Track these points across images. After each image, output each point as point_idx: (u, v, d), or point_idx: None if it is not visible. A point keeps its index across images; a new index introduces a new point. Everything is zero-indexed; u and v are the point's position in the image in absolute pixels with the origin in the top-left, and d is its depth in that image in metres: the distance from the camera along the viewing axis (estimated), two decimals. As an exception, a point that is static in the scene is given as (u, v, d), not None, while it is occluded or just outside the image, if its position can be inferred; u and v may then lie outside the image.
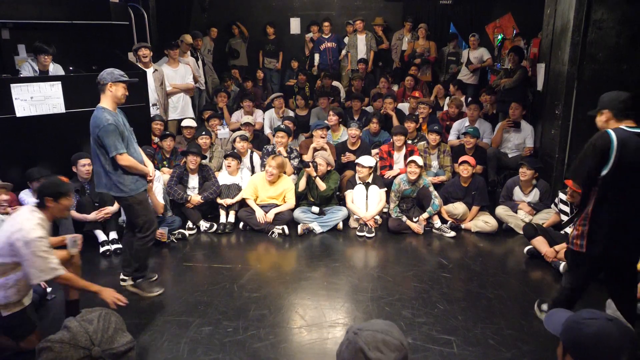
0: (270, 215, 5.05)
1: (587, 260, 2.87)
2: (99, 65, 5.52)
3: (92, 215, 4.59)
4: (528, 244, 4.47)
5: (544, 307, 3.41)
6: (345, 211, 5.23)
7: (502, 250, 4.81)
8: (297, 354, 3.12)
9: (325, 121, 6.18)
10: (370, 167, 5.16)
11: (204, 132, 5.79)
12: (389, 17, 8.78)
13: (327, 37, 8.44)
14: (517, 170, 5.19)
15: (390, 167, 5.73)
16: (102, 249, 4.55)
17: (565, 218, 4.56)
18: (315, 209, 5.16)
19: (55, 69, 5.19)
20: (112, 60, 5.24)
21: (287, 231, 5.01)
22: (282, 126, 5.81)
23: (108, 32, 5.73)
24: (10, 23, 5.11)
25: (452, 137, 6.26)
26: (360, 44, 8.26)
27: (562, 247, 4.02)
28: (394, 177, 5.42)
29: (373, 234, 4.98)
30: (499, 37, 8.06)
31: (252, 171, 5.78)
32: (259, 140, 6.55)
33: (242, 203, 5.31)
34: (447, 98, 7.25)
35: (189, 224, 5.11)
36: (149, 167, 3.74)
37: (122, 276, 3.94)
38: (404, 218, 5.10)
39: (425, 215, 5.08)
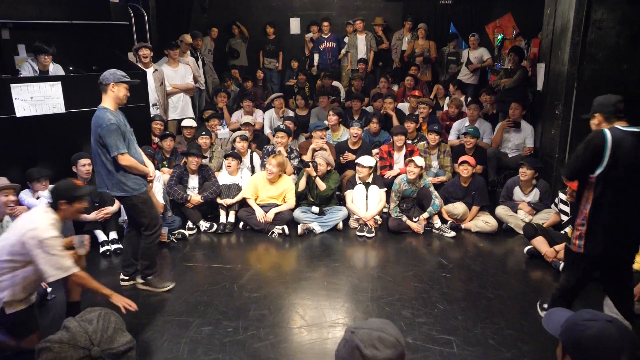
0: (270, 215, 5.05)
1: (584, 260, 2.88)
2: (99, 65, 5.53)
3: (92, 215, 4.59)
4: (528, 244, 4.47)
5: (546, 306, 3.41)
6: (345, 211, 5.23)
7: (502, 250, 4.81)
8: (297, 354, 3.12)
9: (325, 121, 6.19)
10: (370, 167, 5.16)
11: (204, 132, 5.79)
12: (389, 17, 8.78)
13: (326, 36, 8.44)
14: (517, 170, 5.19)
15: (390, 167, 5.73)
16: (102, 249, 4.55)
17: (565, 218, 4.56)
18: (315, 209, 5.16)
19: (55, 69, 5.19)
20: (112, 60, 5.24)
21: (287, 231, 5.01)
22: (282, 126, 5.81)
23: (108, 32, 5.72)
24: (10, 23, 5.10)
25: (452, 137, 6.26)
26: (360, 44, 8.26)
27: (562, 247, 4.02)
28: (394, 177, 5.42)
29: (373, 234, 4.98)
30: (499, 37, 8.06)
31: (252, 171, 5.78)
32: (259, 140, 6.55)
33: (242, 203, 5.31)
34: (447, 98, 7.25)
35: (189, 224, 5.11)
36: (150, 167, 3.75)
37: (122, 276, 3.94)
38: (404, 218, 5.10)
39: (425, 215, 5.08)
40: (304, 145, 5.92)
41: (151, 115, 5.87)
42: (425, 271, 4.22)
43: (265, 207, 5.16)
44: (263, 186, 5.26)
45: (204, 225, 5.13)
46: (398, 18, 8.72)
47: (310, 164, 5.18)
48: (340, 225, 5.17)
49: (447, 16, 8.71)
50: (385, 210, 5.31)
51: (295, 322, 3.44)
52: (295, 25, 9.15)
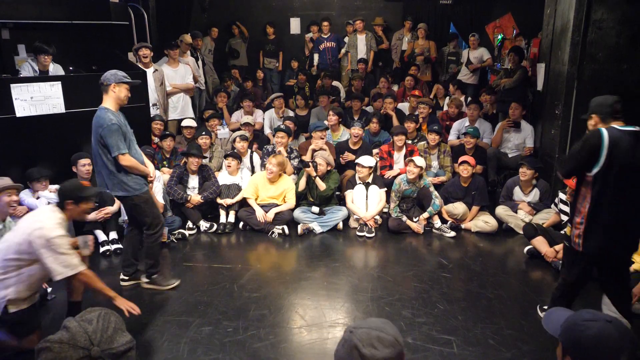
0: (271, 215, 5.05)
1: (583, 258, 2.90)
2: (99, 65, 5.53)
3: (92, 215, 4.59)
4: (528, 244, 4.47)
5: (546, 308, 3.42)
6: (345, 211, 5.23)
7: (502, 250, 4.81)
8: (297, 354, 3.12)
9: (325, 121, 6.19)
10: (370, 167, 5.16)
11: (204, 132, 5.79)
12: (389, 17, 8.78)
13: (326, 36, 8.45)
14: (517, 170, 5.19)
15: (390, 167, 5.73)
16: (102, 249, 4.55)
17: (565, 218, 4.56)
18: (315, 209, 5.16)
19: (55, 69, 5.18)
20: (112, 60, 5.24)
21: (287, 231, 5.01)
22: (282, 126, 5.81)
23: (108, 32, 5.72)
24: (10, 23, 5.10)
25: (452, 137, 6.26)
26: (360, 44, 8.26)
27: (562, 247, 4.02)
28: (394, 177, 5.42)
29: (373, 234, 4.98)
30: (499, 37, 8.06)
31: (252, 171, 5.78)
32: (259, 140, 6.55)
33: (242, 203, 5.31)
34: (447, 98, 7.25)
35: (189, 224, 5.11)
36: (150, 167, 3.77)
37: (122, 276, 3.95)
38: (404, 218, 5.10)
39: (425, 215, 5.08)
40: (304, 146, 5.92)
41: (151, 115, 5.87)
42: (425, 271, 4.22)
43: (266, 207, 5.16)
44: (263, 186, 5.26)
45: (204, 225, 5.13)
46: (398, 18, 8.72)
47: (310, 164, 5.18)
48: (340, 225, 5.17)
49: (447, 16, 8.71)
50: (385, 210, 5.31)
51: (295, 322, 3.44)
52: (295, 25, 9.15)
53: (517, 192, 5.21)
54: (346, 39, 8.47)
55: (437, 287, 3.91)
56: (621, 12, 4.63)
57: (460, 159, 5.21)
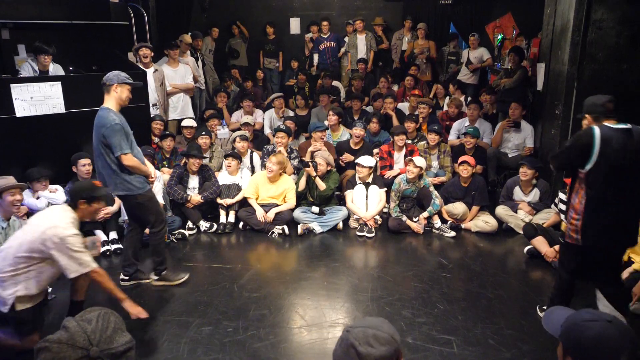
0: (271, 215, 5.05)
1: (579, 253, 2.96)
2: (99, 65, 5.53)
3: (92, 215, 4.59)
4: (528, 244, 4.47)
5: (545, 308, 3.42)
6: (345, 211, 5.23)
7: (502, 250, 4.81)
8: (297, 354, 3.12)
9: (325, 121, 6.19)
10: (370, 167, 5.16)
11: (203, 132, 5.79)
12: (389, 17, 8.78)
13: (325, 36, 8.45)
14: (517, 170, 5.19)
15: (391, 167, 5.73)
16: (102, 249, 4.54)
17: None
18: (315, 209, 5.16)
19: (55, 69, 5.18)
20: (112, 60, 5.24)
21: (287, 231, 5.01)
22: (282, 126, 5.80)
23: (108, 32, 5.72)
24: (10, 23, 5.10)
25: (452, 137, 6.26)
26: (360, 44, 8.26)
27: (562, 247, 4.03)
28: (394, 177, 5.42)
29: (373, 234, 4.98)
30: (499, 37, 8.06)
31: (252, 171, 5.78)
32: (259, 140, 6.55)
33: (242, 203, 5.31)
34: (447, 98, 7.25)
35: (189, 224, 5.11)
36: (150, 168, 3.82)
37: (122, 276, 3.95)
38: (404, 218, 5.10)
39: (425, 214, 5.08)
40: (304, 146, 5.92)
41: (151, 115, 5.87)
42: (425, 271, 4.22)
43: (266, 207, 5.16)
44: (263, 185, 5.26)
45: (204, 225, 5.13)
46: (398, 18, 8.72)
47: (310, 163, 5.18)
48: (340, 225, 5.17)
49: (447, 16, 8.70)
50: (385, 210, 5.31)
51: (295, 322, 3.44)
52: (295, 25, 9.14)
53: (517, 192, 5.20)
54: (346, 39, 8.47)
55: (437, 287, 3.91)
56: (621, 12, 4.63)
57: (460, 159, 5.21)
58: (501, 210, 5.15)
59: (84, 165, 4.71)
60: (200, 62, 7.49)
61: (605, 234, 2.83)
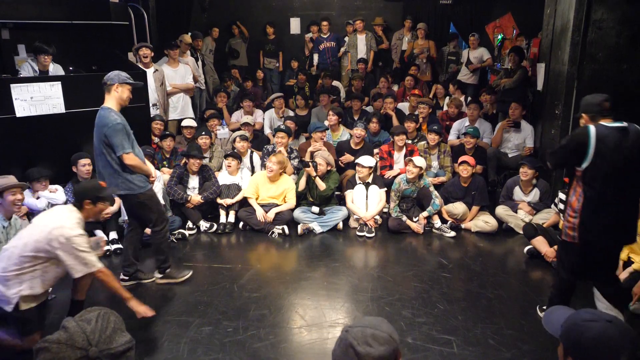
0: (271, 215, 5.05)
1: (577, 251, 2.98)
2: (99, 65, 5.53)
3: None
4: (528, 244, 4.47)
5: (545, 308, 3.43)
6: (345, 211, 5.23)
7: (502, 250, 4.81)
8: (297, 354, 3.12)
9: (325, 121, 6.19)
10: (370, 167, 5.16)
11: (203, 132, 5.79)
12: (389, 17, 8.78)
13: (325, 36, 8.45)
14: (517, 170, 5.19)
15: (391, 167, 5.73)
16: (105, 248, 4.54)
17: (565, 218, 4.56)
18: (315, 209, 5.16)
19: (55, 69, 5.18)
20: (112, 60, 5.24)
21: (287, 231, 5.01)
22: (282, 126, 5.80)
23: (108, 32, 5.72)
24: (10, 23, 5.10)
25: (452, 137, 6.26)
26: (360, 44, 8.26)
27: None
28: (394, 177, 5.42)
29: (373, 234, 4.98)
30: (499, 37, 8.06)
31: (252, 171, 5.78)
32: (259, 140, 6.55)
33: (242, 203, 5.31)
34: (447, 98, 7.25)
35: (189, 224, 5.11)
36: (151, 168, 3.84)
37: (122, 276, 3.94)
38: (404, 218, 5.10)
39: (425, 213, 5.07)
40: (303, 147, 5.92)
41: (151, 115, 5.87)
42: (425, 271, 4.22)
43: (266, 207, 5.16)
44: (264, 185, 5.26)
45: (204, 225, 5.13)
46: (398, 18, 8.72)
47: (310, 163, 5.18)
48: (340, 225, 5.17)
49: (447, 16, 8.70)
50: (385, 210, 5.31)
51: (295, 322, 3.44)
52: (295, 25, 9.14)
53: (517, 192, 5.20)
54: (346, 39, 8.47)
55: (437, 287, 3.90)
56: (621, 12, 4.63)
57: (460, 159, 5.21)
58: (501, 210, 5.14)
59: (84, 165, 4.70)
60: (200, 62, 7.49)
61: (602, 232, 2.86)
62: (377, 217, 5.18)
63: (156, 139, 5.84)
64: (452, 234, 5.00)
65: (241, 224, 5.19)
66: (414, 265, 4.33)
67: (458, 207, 5.20)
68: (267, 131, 6.87)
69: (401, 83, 7.77)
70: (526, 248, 4.52)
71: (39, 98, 4.64)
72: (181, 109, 6.65)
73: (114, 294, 3.08)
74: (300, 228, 5.01)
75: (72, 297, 3.30)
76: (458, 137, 6.18)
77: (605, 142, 2.75)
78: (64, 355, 1.28)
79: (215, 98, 7.29)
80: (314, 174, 5.17)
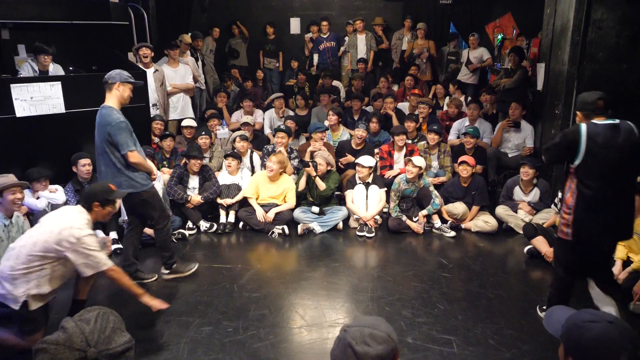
0: (271, 215, 5.05)
1: (572, 247, 3.01)
2: (99, 65, 5.53)
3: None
4: (528, 244, 4.47)
5: (545, 308, 3.43)
6: (345, 211, 5.23)
7: (502, 250, 4.81)
8: (297, 354, 3.12)
9: (326, 121, 6.19)
10: (370, 167, 5.16)
11: (203, 132, 5.79)
12: (389, 17, 8.78)
13: (325, 36, 8.44)
14: (517, 170, 5.19)
15: (391, 167, 5.73)
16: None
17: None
18: (315, 209, 5.16)
19: (55, 69, 5.18)
20: (112, 60, 5.24)
21: (287, 231, 5.01)
22: (282, 126, 5.80)
23: (108, 32, 5.72)
24: (10, 23, 5.10)
25: (452, 137, 6.25)
26: (360, 43, 8.26)
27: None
28: (394, 177, 5.42)
29: (373, 234, 4.98)
30: (499, 37, 8.06)
31: (252, 171, 5.78)
32: (259, 140, 6.55)
33: (242, 203, 5.31)
34: (447, 98, 7.25)
35: (189, 224, 5.11)
36: (152, 166, 3.87)
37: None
38: (404, 218, 5.09)
39: (424, 212, 5.07)
40: (303, 147, 5.92)
41: (151, 115, 5.87)
42: (425, 271, 4.22)
43: (266, 207, 5.16)
44: (264, 185, 5.26)
45: (204, 225, 5.13)
46: (398, 18, 8.72)
47: (310, 163, 5.18)
48: (340, 225, 5.17)
49: (447, 16, 8.69)
50: (385, 210, 5.31)
51: (295, 322, 3.44)
52: (295, 25, 9.14)
53: (517, 192, 5.20)
54: (346, 39, 8.47)
55: (437, 287, 3.90)
56: (621, 12, 4.63)
57: (460, 159, 5.21)
58: (501, 210, 5.14)
59: (84, 165, 4.70)
60: (200, 62, 7.49)
61: (595, 228, 2.89)
62: (377, 217, 5.18)
63: (156, 139, 5.84)
64: (452, 234, 5.00)
65: (241, 224, 5.19)
66: (414, 265, 4.33)
67: (458, 207, 5.20)
68: (267, 131, 6.86)
69: (401, 83, 7.77)
70: (526, 248, 4.52)
71: (39, 98, 4.64)
72: (181, 109, 6.65)
73: (127, 291, 3.11)
74: (300, 228, 5.01)
75: (74, 296, 3.30)
76: (458, 137, 6.18)
77: (595, 140, 2.79)
78: (62, 357, 1.28)
79: (215, 98, 7.29)
80: (314, 174, 5.17)
